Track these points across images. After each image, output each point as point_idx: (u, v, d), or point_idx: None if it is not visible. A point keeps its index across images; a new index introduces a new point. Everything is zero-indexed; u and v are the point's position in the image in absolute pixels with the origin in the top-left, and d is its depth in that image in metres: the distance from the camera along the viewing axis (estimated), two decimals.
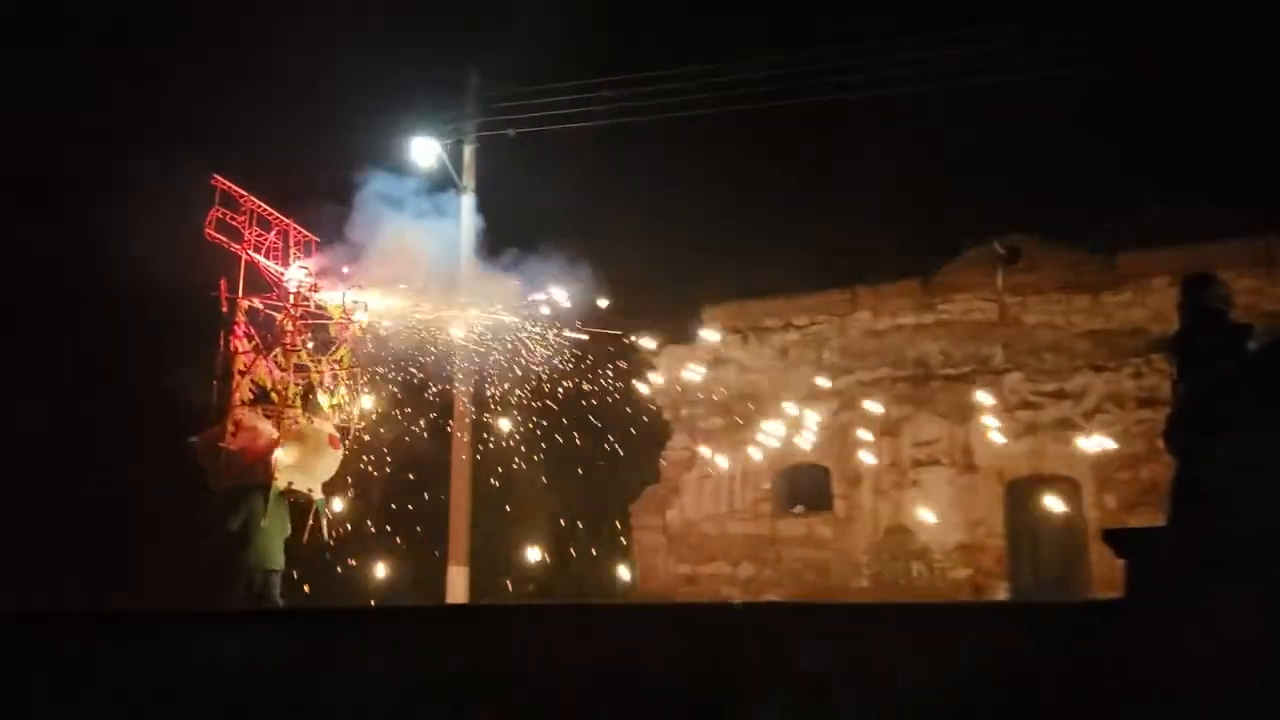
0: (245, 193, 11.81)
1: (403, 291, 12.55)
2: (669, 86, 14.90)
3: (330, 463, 10.86)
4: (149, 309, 15.28)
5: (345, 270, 11.99)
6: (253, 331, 11.42)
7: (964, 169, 20.31)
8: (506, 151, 16.56)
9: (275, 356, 11.29)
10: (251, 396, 11.34)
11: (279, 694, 4.68)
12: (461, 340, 15.56)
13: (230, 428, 10.57)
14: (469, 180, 16.41)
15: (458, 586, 15.08)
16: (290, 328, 11.45)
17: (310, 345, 11.88)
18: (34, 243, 17.12)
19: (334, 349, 11.89)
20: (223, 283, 11.46)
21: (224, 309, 11.34)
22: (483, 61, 16.92)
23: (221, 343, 11.24)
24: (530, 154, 16.62)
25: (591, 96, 15.38)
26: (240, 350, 11.15)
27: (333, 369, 11.68)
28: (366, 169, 15.44)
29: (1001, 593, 13.60)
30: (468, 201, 16.31)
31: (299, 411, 11.03)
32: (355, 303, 11.94)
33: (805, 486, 15.20)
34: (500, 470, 18.05)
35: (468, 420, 15.79)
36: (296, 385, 11.23)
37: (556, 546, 17.84)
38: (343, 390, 11.86)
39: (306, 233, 12.61)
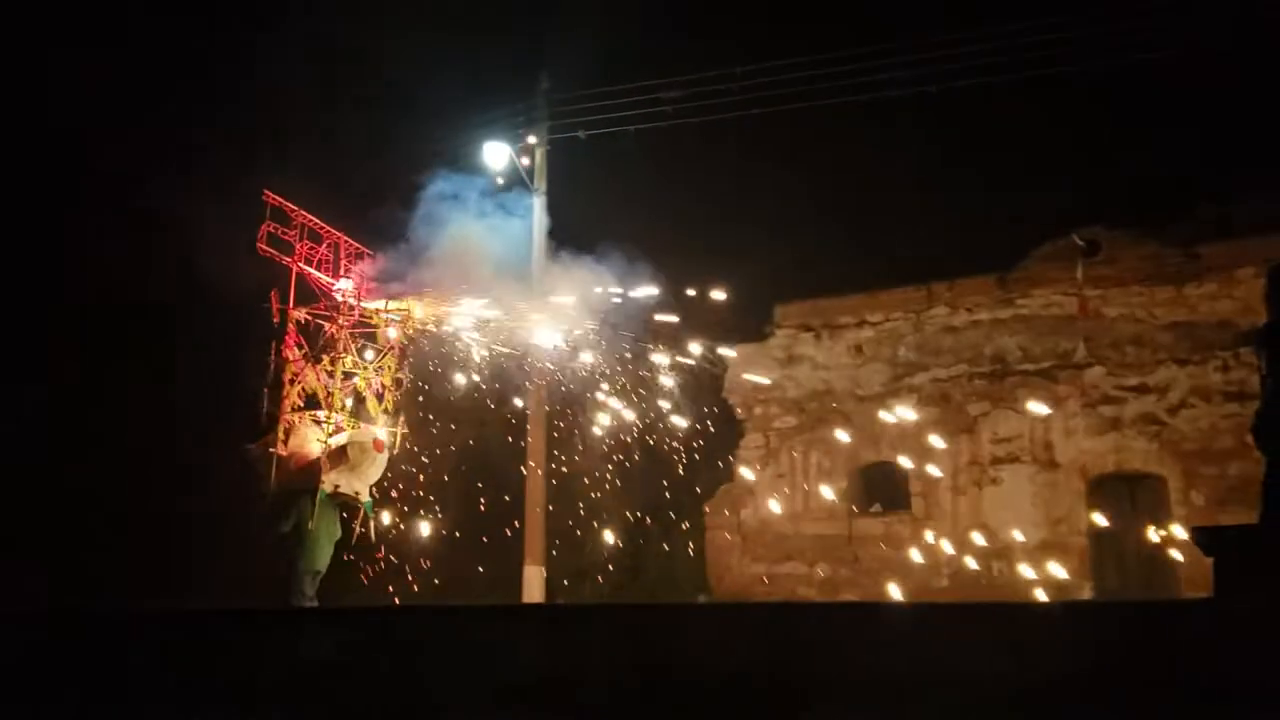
0: (296, 208, 12.21)
1: (470, 294, 12.79)
2: (736, 84, 14.88)
3: (376, 467, 11.18)
4: (212, 319, 15.61)
5: (407, 277, 12.25)
6: (303, 341, 11.83)
7: (1042, 161, 19.99)
8: (577, 152, 16.64)
9: (324, 365, 11.68)
10: (301, 404, 11.74)
11: (357, 692, 4.74)
12: (536, 340, 15.73)
13: (281, 434, 10.99)
14: (540, 182, 16.52)
15: (534, 586, 15.19)
16: (339, 337, 11.85)
17: (368, 354, 12.28)
18: (99, 254, 17.53)
19: (380, 356, 12.28)
20: (273, 294, 11.88)
21: (275, 320, 11.76)
22: (552, 63, 17.04)
23: (273, 352, 11.66)
24: (600, 154, 16.67)
25: (659, 96, 15.40)
26: (290, 359, 11.57)
27: (379, 375, 12.08)
28: (433, 173, 15.74)
29: (1085, 592, 13.34)
30: (539, 203, 16.42)
31: (346, 417, 11.43)
32: (398, 311, 12.33)
33: (882, 485, 15.04)
34: (575, 470, 18.20)
35: (542, 420, 15.88)
36: (344, 392, 11.65)
37: (631, 547, 17.86)
38: (389, 396, 12.25)
39: (357, 244, 12.96)
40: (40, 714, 4.98)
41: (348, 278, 12.39)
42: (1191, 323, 13.55)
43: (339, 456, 10.68)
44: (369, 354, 12.22)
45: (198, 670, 4.97)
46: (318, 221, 12.38)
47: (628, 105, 15.58)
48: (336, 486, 10.56)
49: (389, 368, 12.16)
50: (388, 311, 12.24)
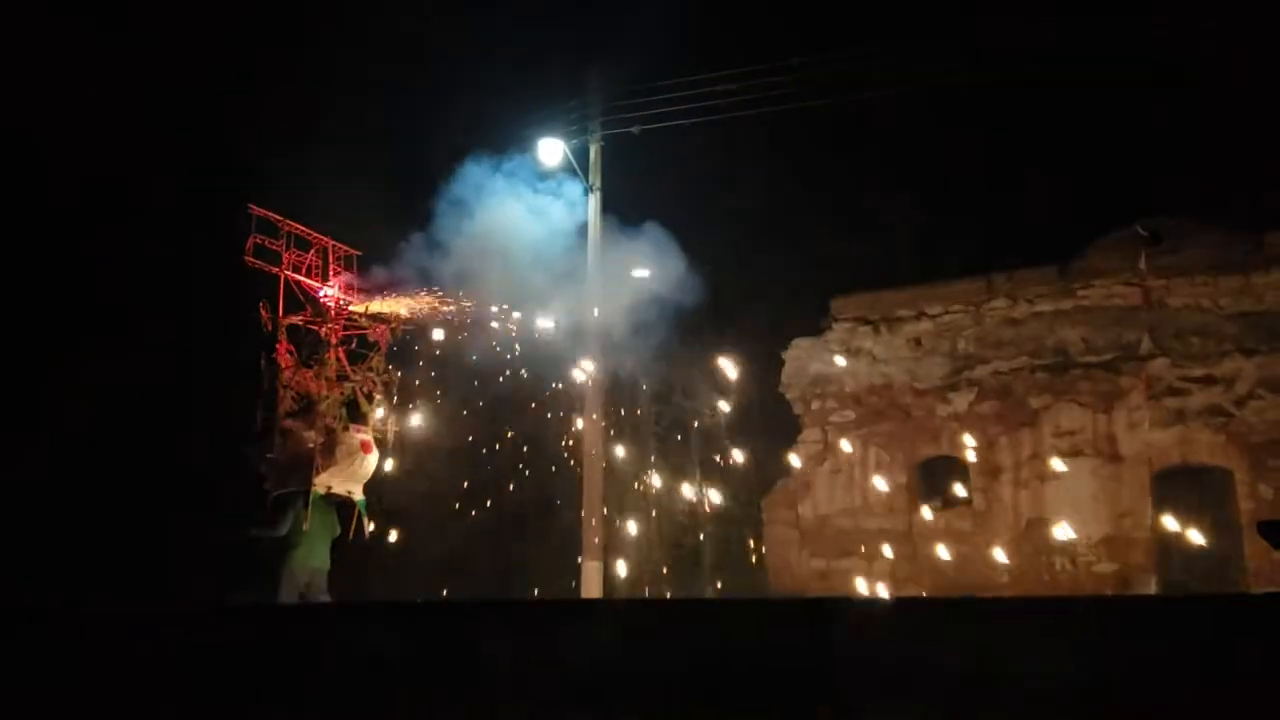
0: (282, 218, 12.82)
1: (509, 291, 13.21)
2: (791, 77, 14.83)
3: (367, 467, 11.77)
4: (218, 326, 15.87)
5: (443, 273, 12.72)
6: (293, 347, 12.43)
7: (1102, 150, 19.68)
8: (631, 147, 16.66)
9: (315, 370, 12.27)
10: (295, 408, 12.30)
11: (415, 687, 4.79)
12: (594, 334, 15.82)
13: (277, 438, 11.60)
14: (595, 179, 16.57)
15: (592, 582, 15.25)
16: (330, 341, 12.45)
17: (380, 358, 12.86)
18: (102, 259, 17.80)
19: (369, 358, 12.85)
20: (262, 304, 12.53)
21: (266, 328, 12.38)
22: (605, 58, 17.07)
23: (264, 359, 12.27)
24: (654, 149, 16.68)
25: (713, 90, 15.39)
26: (283, 365, 12.17)
27: (368, 378, 12.65)
28: (474, 170, 15.90)
29: (1151, 587, 13.13)
30: (594, 200, 16.47)
31: (338, 420, 12.02)
32: (385, 313, 12.91)
33: (942, 479, 14.91)
34: (632, 465, 18.27)
35: (599, 415, 15.94)
36: (337, 395, 12.24)
37: (689, 542, 17.88)
38: (379, 397, 12.82)
39: (346, 248, 13.46)
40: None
41: (333, 284, 12.99)
42: (1259, 312, 13.28)
43: (330, 459, 11.34)
44: (379, 357, 12.79)
45: (263, 664, 5.06)
46: (304, 229, 12.99)
47: (681, 99, 15.58)
48: (329, 488, 11.25)
49: (378, 369, 12.71)
50: (369, 315, 12.79)
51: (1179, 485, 13.56)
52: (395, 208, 15.55)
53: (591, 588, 15.14)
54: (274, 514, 10.97)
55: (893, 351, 15.25)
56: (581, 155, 16.63)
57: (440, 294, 13.49)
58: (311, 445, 11.34)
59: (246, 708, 4.93)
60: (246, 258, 12.35)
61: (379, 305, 12.82)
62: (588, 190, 16.52)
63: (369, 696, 4.81)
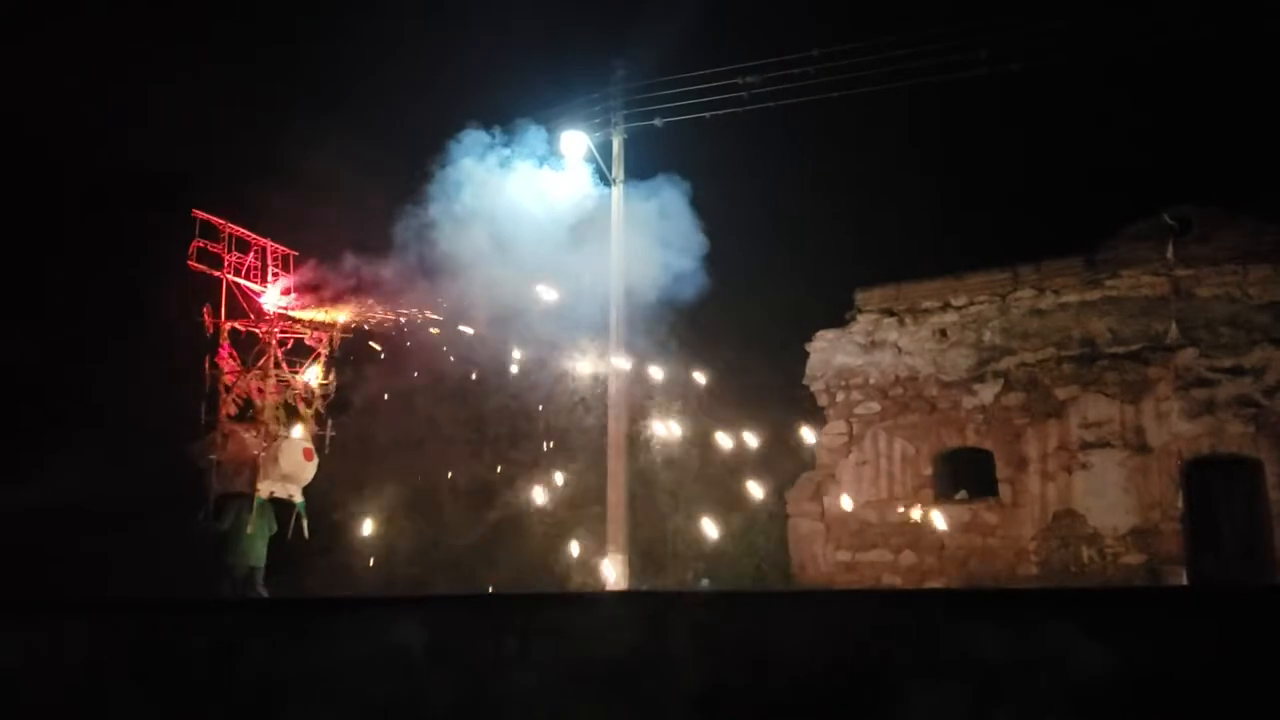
0: (224, 221, 13.04)
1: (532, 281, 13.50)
2: (813, 68, 14.78)
3: (308, 471, 12.13)
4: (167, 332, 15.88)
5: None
6: (234, 352, 12.72)
7: (1129, 138, 19.51)
8: (653, 140, 16.65)
9: (256, 374, 12.53)
10: (236, 411, 12.63)
11: (448, 678, 4.81)
12: (615, 326, 15.83)
13: (218, 440, 11.92)
14: (618, 172, 16.55)
15: (617, 574, 15.27)
16: (269, 344, 12.72)
17: (320, 364, 13.13)
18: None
19: (309, 363, 13.11)
20: (206, 308, 12.76)
21: (209, 331, 12.66)
22: (627, 50, 17.05)
23: (208, 363, 12.54)
24: (676, 141, 16.64)
25: (736, 82, 15.35)
26: (225, 369, 12.46)
27: (306, 384, 12.91)
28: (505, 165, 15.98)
29: (1181, 579, 13.04)
30: (618, 193, 16.45)
31: (279, 425, 12.33)
32: (323, 321, 13.19)
33: (968, 471, 14.84)
34: (653, 458, 18.27)
35: (623, 409, 15.95)
36: (276, 400, 12.53)
37: (712, 533, 17.86)
38: (318, 402, 13.11)
39: (285, 249, 13.66)
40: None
41: (273, 285, 13.24)
42: None
43: (273, 463, 11.70)
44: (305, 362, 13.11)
45: (282, 657, 5.09)
46: (244, 231, 13.23)
47: (704, 91, 15.56)
48: (272, 492, 11.67)
49: (318, 375, 12.99)
50: (310, 323, 13.06)
51: (1208, 476, 13.45)
52: (404, 201, 15.71)
53: (615, 580, 15.15)
54: (217, 512, 11.45)
55: (918, 343, 15.18)
56: (604, 148, 16.63)
57: (383, 302, 13.77)
58: (254, 449, 11.76)
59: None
60: (190, 262, 12.66)
61: (319, 313, 13.17)
62: (611, 183, 16.51)
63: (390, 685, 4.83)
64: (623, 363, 15.97)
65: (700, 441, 19.10)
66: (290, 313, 13.54)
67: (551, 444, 18.91)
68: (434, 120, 17.02)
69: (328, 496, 15.79)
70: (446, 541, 18.08)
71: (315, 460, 12.46)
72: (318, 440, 12.88)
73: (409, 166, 16.33)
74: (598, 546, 16.00)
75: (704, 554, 17.34)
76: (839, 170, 20.78)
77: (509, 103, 17.34)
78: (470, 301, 15.52)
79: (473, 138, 16.55)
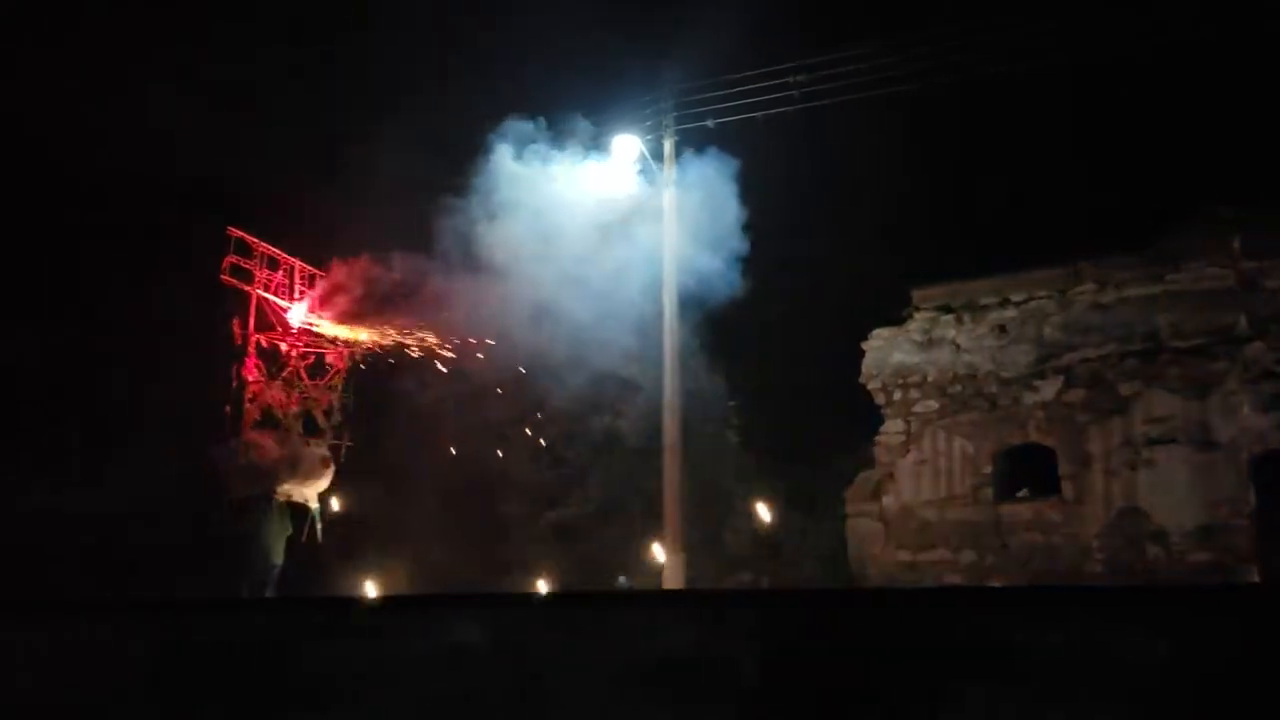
0: (257, 240, 13.83)
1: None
2: (864, 65, 14.70)
3: (323, 478, 12.92)
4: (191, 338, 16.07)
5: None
6: (260, 362, 13.50)
7: (1190, 130, 19.16)
8: (705, 141, 16.64)
9: (279, 385, 13.38)
10: (259, 418, 13.39)
11: (506, 675, 4.82)
12: (668, 327, 15.85)
13: (241, 446, 12.73)
14: (670, 174, 16.54)
15: (674, 573, 15.26)
16: (291, 356, 13.58)
17: (339, 378, 13.99)
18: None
19: (329, 376, 13.94)
20: (235, 321, 13.53)
21: (237, 343, 13.46)
22: (677, 53, 17.07)
23: (234, 373, 13.33)
24: (728, 141, 16.61)
25: (786, 81, 15.31)
26: (250, 380, 13.28)
27: (326, 395, 13.77)
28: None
29: (1252, 576, 12.75)
30: (670, 195, 16.45)
31: (298, 433, 13.16)
32: (345, 338, 13.98)
33: (1029, 469, 14.62)
34: (707, 459, 18.26)
35: (677, 411, 15.94)
36: (297, 410, 13.40)
37: (770, 533, 17.81)
38: (336, 413, 13.96)
39: (312, 268, 14.37)
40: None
41: (300, 301, 13.99)
42: None
43: (294, 470, 12.58)
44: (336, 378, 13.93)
45: (342, 653, 5.13)
46: (275, 250, 13.94)
47: (754, 91, 15.52)
48: (289, 495, 12.50)
49: (336, 388, 13.74)
50: (331, 339, 13.75)
51: (1277, 471, 13.15)
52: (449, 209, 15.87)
53: (673, 580, 15.15)
54: (237, 515, 12.25)
55: (976, 340, 14.99)
56: (655, 150, 16.65)
57: (403, 324, 14.38)
58: (275, 456, 12.58)
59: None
60: (223, 276, 13.34)
61: (342, 330, 13.92)
62: (662, 185, 16.51)
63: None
64: (675, 363, 15.96)
65: (754, 442, 19.08)
66: (315, 328, 14.28)
67: (604, 445, 18.99)
68: (480, 124, 17.17)
69: (383, 502, 16.08)
70: (502, 543, 18.21)
71: (331, 468, 13.23)
72: (334, 450, 13.61)
73: (452, 172, 16.54)
74: (653, 546, 16.01)
75: (760, 553, 17.30)
76: (886, 169, 20.61)
77: (558, 107, 17.44)
78: (519, 305, 15.69)
79: (521, 140, 16.71)
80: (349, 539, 15.74)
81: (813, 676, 4.44)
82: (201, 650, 5.26)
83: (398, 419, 16.06)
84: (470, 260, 15.90)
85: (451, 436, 17.41)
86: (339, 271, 15.27)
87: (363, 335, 14.52)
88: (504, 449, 18.33)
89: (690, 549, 15.70)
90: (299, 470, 12.80)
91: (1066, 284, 14.64)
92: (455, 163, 16.74)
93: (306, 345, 14.19)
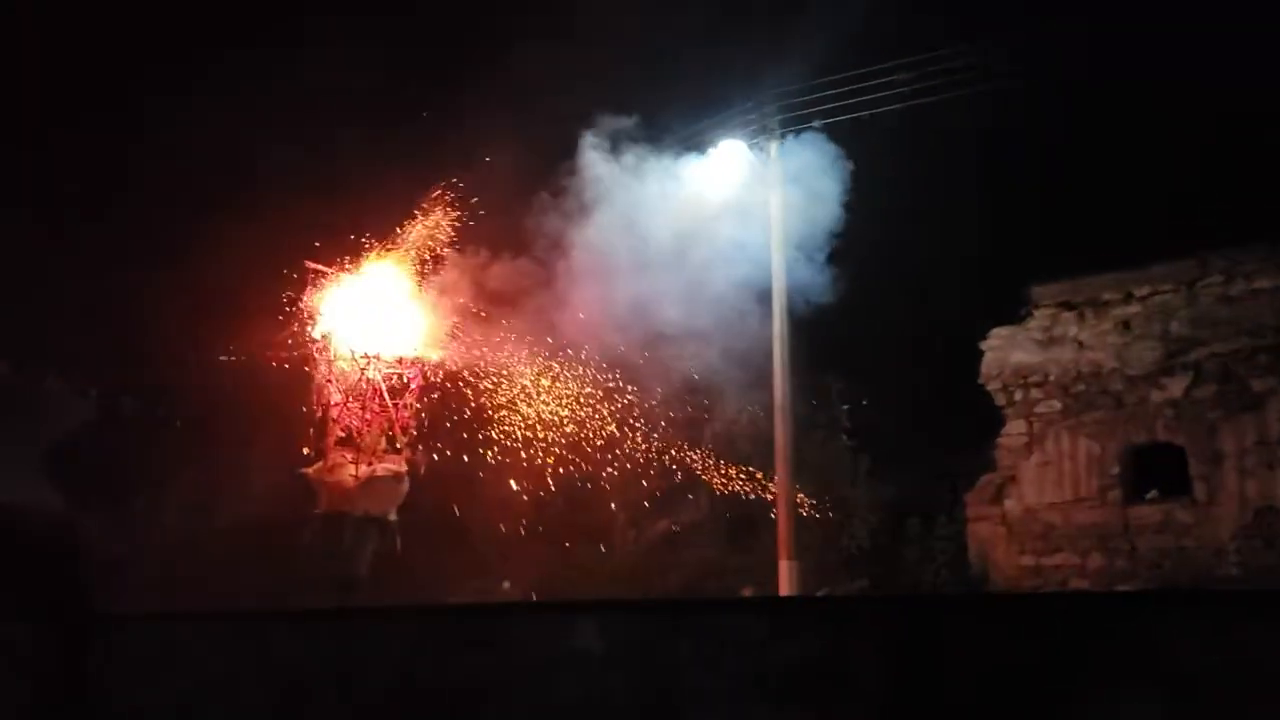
0: (330, 269, 14.92)
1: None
2: (972, 61, 14.48)
3: (400, 493, 14.12)
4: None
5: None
6: (342, 386, 14.55)
7: None
8: (811, 142, 16.49)
9: (359, 408, 14.43)
10: (343, 435, 14.38)
11: (626, 681, 4.83)
12: (778, 332, 15.76)
13: (326, 464, 13.71)
14: (777, 176, 16.42)
15: (787, 580, 15.13)
16: (369, 385, 14.65)
17: (414, 396, 15.07)
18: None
19: (404, 396, 14.98)
20: (317, 346, 14.60)
21: (318, 365, 14.52)
22: (782, 55, 16.99)
23: (317, 395, 14.37)
24: (835, 141, 16.44)
25: (890, 80, 15.14)
26: (333, 402, 14.36)
27: (403, 416, 14.79)
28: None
29: None
30: (776, 199, 16.33)
31: (377, 452, 14.16)
32: (415, 360, 14.99)
33: (1158, 469, 14.14)
34: (821, 461, 18.09)
35: (787, 416, 15.82)
36: (377, 429, 14.44)
37: (885, 539, 17.56)
38: (411, 432, 15.01)
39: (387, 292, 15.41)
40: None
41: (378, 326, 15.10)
42: None
43: (370, 486, 13.62)
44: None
45: (466, 661, 5.19)
46: (351, 276, 15.09)
47: (859, 91, 15.36)
48: (368, 510, 13.47)
49: (410, 408, 14.69)
50: (400, 360, 14.68)
51: None
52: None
53: (788, 587, 15.02)
54: (325, 528, 13.24)
55: (1099, 337, 14.56)
56: (761, 154, 16.57)
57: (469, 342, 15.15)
58: (355, 474, 13.59)
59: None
60: (301, 304, 14.57)
61: (414, 352, 14.97)
62: (769, 189, 16.41)
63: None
64: (785, 367, 15.84)
65: (867, 446, 18.84)
66: (382, 355, 15.42)
67: (717, 452, 18.94)
68: (578, 127, 17.33)
69: (478, 513, 16.39)
70: (618, 550, 18.32)
71: (406, 485, 14.23)
72: (412, 466, 14.58)
73: (553, 175, 16.77)
74: (767, 552, 15.90)
75: (878, 559, 17.07)
76: (1007, 161, 20.19)
77: (662, 114, 17.49)
78: (622, 310, 15.85)
79: (627, 147, 16.83)
80: (440, 550, 16.05)
81: (942, 685, 4.35)
82: (340, 658, 5.39)
83: (493, 428, 16.38)
84: (573, 265, 16.11)
85: (550, 446, 17.60)
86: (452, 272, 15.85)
87: (434, 355, 15.72)
88: (610, 456, 18.44)
89: (805, 555, 15.55)
90: (380, 487, 14.07)
91: (1192, 276, 14.14)
92: (554, 165, 17.01)
93: (388, 367, 15.30)
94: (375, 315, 15.24)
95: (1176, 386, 13.89)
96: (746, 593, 15.62)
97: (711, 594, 16.21)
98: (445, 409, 15.96)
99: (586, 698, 4.84)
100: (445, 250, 16.50)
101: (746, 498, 18.27)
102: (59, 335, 18.44)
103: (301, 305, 15.48)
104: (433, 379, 15.43)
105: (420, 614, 5.88)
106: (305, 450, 14.49)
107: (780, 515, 15.57)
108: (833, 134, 16.18)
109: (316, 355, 15.30)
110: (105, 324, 18.30)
